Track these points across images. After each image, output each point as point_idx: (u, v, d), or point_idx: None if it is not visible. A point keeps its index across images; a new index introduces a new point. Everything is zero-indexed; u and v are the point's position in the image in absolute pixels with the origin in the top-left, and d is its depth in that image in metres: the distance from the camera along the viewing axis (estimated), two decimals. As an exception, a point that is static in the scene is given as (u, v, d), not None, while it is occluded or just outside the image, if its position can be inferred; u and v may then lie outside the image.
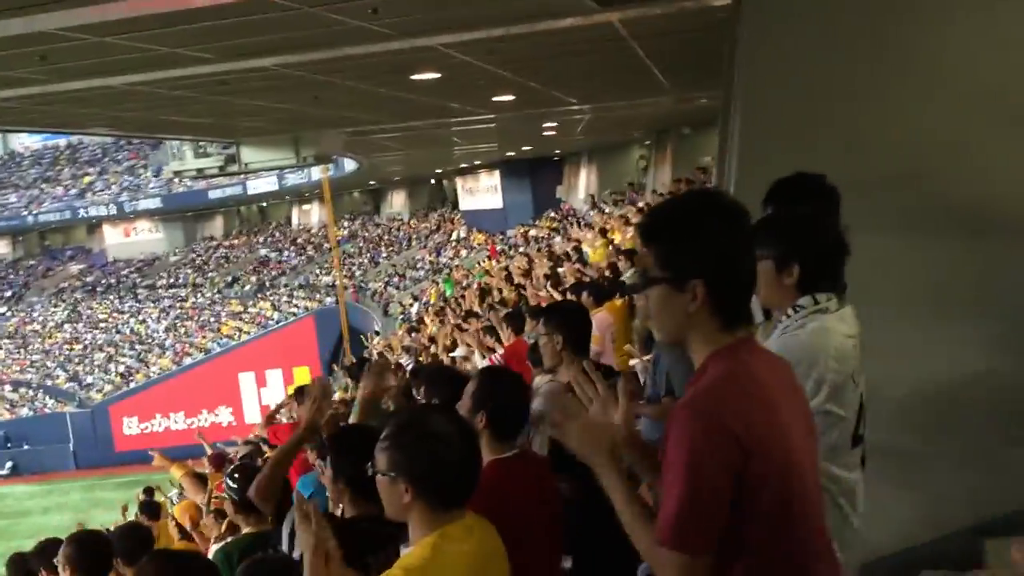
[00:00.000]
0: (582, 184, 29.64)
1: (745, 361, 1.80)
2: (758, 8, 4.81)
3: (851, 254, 2.47)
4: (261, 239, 43.43)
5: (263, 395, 31.28)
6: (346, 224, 40.90)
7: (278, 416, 8.44)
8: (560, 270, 12.16)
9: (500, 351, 7.72)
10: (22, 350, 39.43)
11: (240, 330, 35.44)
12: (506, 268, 19.87)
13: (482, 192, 34.55)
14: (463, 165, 32.47)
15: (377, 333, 27.37)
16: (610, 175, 28.26)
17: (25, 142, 48.01)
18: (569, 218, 25.92)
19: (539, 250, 20.78)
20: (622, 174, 27.93)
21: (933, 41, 4.21)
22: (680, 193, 1.96)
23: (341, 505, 3.03)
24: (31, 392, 36.51)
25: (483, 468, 2.85)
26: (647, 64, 10.91)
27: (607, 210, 21.61)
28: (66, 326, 40.34)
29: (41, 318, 41.48)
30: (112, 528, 7.47)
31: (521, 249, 24.92)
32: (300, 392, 7.27)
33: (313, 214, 42.68)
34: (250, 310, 36.72)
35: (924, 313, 3.99)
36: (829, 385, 2.31)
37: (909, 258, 4.09)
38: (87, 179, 44.60)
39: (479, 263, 27.70)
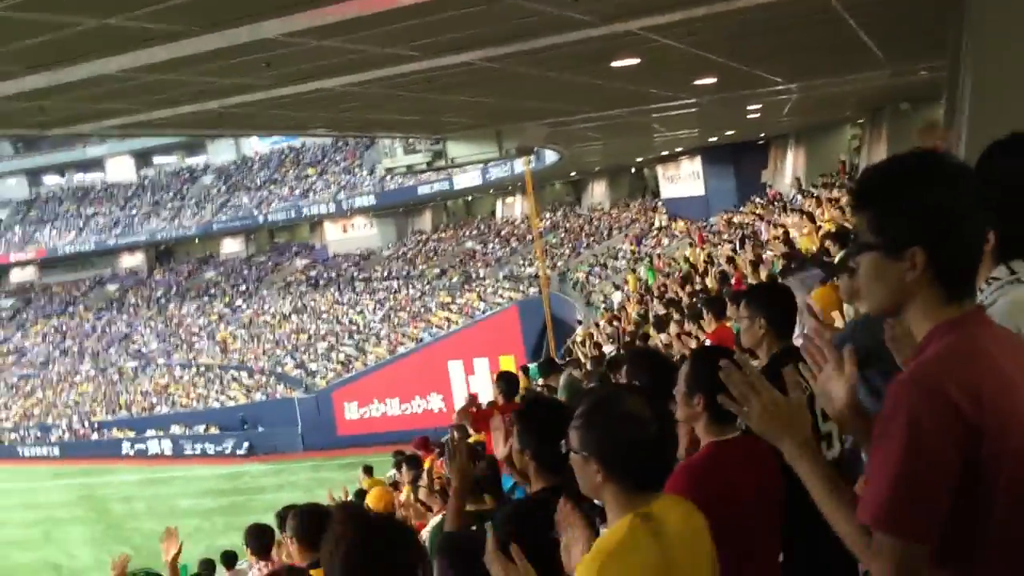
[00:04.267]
0: (789, 168, 28.48)
1: (974, 335, 1.62)
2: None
3: None
4: (467, 232, 44.83)
5: (471, 383, 32.35)
6: (548, 215, 41.44)
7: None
8: (766, 255, 11.75)
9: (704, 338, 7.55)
10: (256, 340, 42.80)
11: (449, 320, 36.77)
12: (709, 255, 19.44)
13: (684, 180, 33.96)
14: (664, 153, 32.05)
15: (580, 322, 27.57)
16: (819, 158, 26.96)
17: (255, 147, 51.98)
18: (775, 203, 24.99)
19: (743, 237, 20.14)
20: (832, 156, 26.57)
21: None
22: (898, 154, 1.80)
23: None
24: (264, 379, 39.59)
25: (702, 450, 2.79)
26: (860, 36, 10.29)
27: (816, 193, 20.63)
28: (293, 317, 43.39)
29: (272, 310, 44.84)
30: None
31: (725, 236, 24.29)
32: (501, 378, 7.41)
33: (516, 206, 43.57)
34: (458, 301, 38.01)
35: None
36: None
37: None
38: (309, 178, 47.74)
39: (681, 251, 27.26)
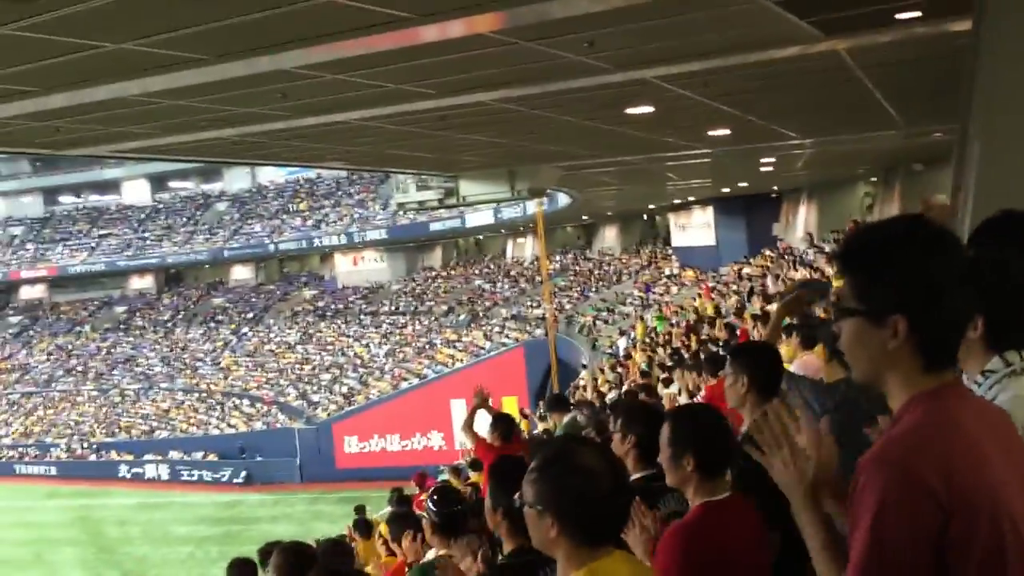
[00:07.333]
0: (800, 222, 28.46)
1: (949, 408, 1.58)
2: (1001, 30, 4.41)
3: None
4: (477, 270, 44.89)
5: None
6: (558, 258, 41.49)
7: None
8: (771, 307, 11.66)
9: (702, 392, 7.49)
10: (260, 368, 42.71)
11: (453, 358, 36.65)
12: (717, 306, 19.38)
13: (695, 229, 34.00)
14: (676, 201, 32.13)
15: (584, 366, 27.44)
16: (832, 213, 26.92)
17: (271, 176, 52.35)
18: (786, 257, 24.96)
19: (751, 290, 20.08)
20: (844, 212, 26.56)
21: None
22: (885, 219, 1.76)
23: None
24: (265, 408, 39.45)
25: (694, 512, 2.73)
26: (875, 95, 10.34)
27: (827, 249, 20.58)
28: (298, 347, 43.34)
29: (277, 339, 44.81)
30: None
31: (734, 287, 24.24)
32: (498, 420, 7.30)
33: (527, 247, 43.64)
34: (464, 339, 37.92)
35: None
36: None
37: None
38: (323, 210, 48.00)
39: (690, 299, 27.19)
